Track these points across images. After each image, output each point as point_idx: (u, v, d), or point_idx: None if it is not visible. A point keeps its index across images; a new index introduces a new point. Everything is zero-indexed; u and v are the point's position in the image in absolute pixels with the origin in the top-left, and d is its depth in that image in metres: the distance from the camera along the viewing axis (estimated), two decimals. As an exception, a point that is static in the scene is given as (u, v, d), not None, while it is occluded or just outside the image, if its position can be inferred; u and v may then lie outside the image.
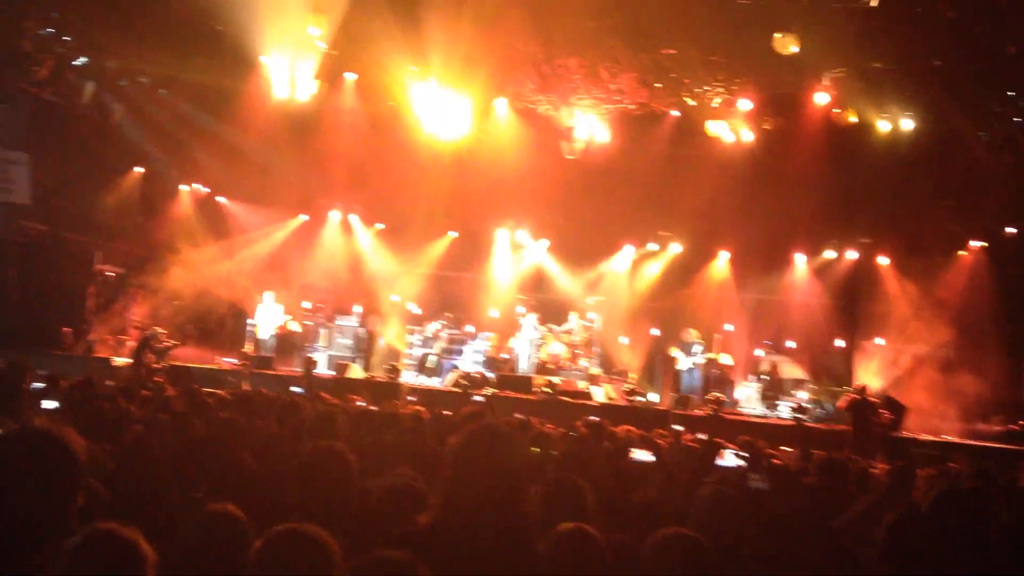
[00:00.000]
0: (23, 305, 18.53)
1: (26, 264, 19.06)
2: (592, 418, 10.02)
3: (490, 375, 19.65)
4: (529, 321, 21.04)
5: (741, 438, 10.91)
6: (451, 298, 23.29)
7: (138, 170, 21.01)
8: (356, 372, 19.33)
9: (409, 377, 20.25)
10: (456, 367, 20.88)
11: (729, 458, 6.67)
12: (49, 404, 8.35)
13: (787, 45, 15.30)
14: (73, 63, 17.83)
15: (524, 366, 20.63)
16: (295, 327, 21.24)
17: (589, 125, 20.03)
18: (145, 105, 19.88)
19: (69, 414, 7.63)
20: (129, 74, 19.07)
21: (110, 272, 21.26)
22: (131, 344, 18.95)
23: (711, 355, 20.27)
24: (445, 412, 10.72)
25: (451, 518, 3.40)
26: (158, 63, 18.45)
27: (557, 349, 20.76)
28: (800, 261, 22.26)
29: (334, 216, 23.63)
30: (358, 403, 12.35)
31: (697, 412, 17.66)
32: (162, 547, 2.81)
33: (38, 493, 2.60)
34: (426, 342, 21.85)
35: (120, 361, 17.95)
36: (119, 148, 20.27)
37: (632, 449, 6.43)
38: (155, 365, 17.32)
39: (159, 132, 20.38)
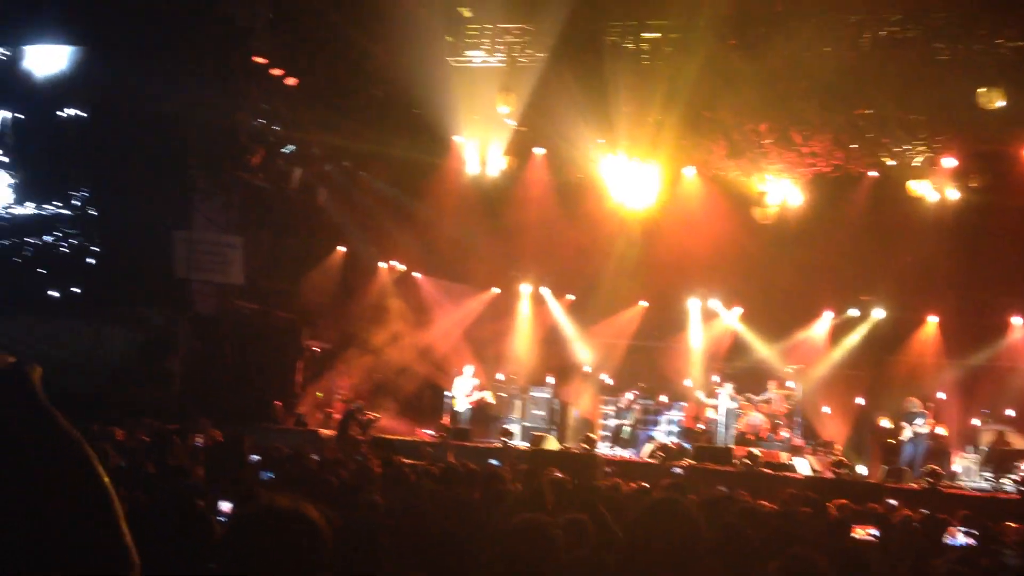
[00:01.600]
0: (237, 380, 19.52)
1: (240, 341, 20.12)
2: (790, 490, 9.60)
3: (687, 446, 19.24)
4: (725, 391, 20.53)
5: (962, 513, 10.23)
6: (644, 368, 23.07)
7: (341, 249, 21.95)
8: (552, 444, 19.33)
9: (604, 448, 20.11)
10: (652, 438, 20.57)
11: (958, 536, 6.21)
12: (266, 475, 8.74)
13: (992, 99, 14.60)
14: (282, 150, 18.95)
15: (722, 437, 20.09)
16: (490, 399, 21.50)
17: (782, 189, 19.63)
18: (347, 187, 20.92)
19: (287, 485, 7.93)
20: (333, 158, 20.13)
21: (316, 348, 22.22)
22: (337, 417, 19.65)
23: (931, 426, 19.05)
24: (643, 484, 10.57)
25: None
26: (359, 147, 19.38)
27: (756, 419, 20.12)
28: (1017, 324, 20.86)
29: (525, 289, 23.97)
30: (556, 475, 12.37)
31: (912, 486, 16.64)
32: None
33: (286, 572, 2.56)
34: (620, 413, 21.67)
35: (327, 433, 18.60)
36: (324, 229, 21.30)
37: (855, 527, 6.07)
38: (359, 437, 17.84)
39: (360, 212, 21.36)
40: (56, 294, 19.64)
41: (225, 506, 6.28)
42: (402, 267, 23.40)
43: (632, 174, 18.63)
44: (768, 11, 15.76)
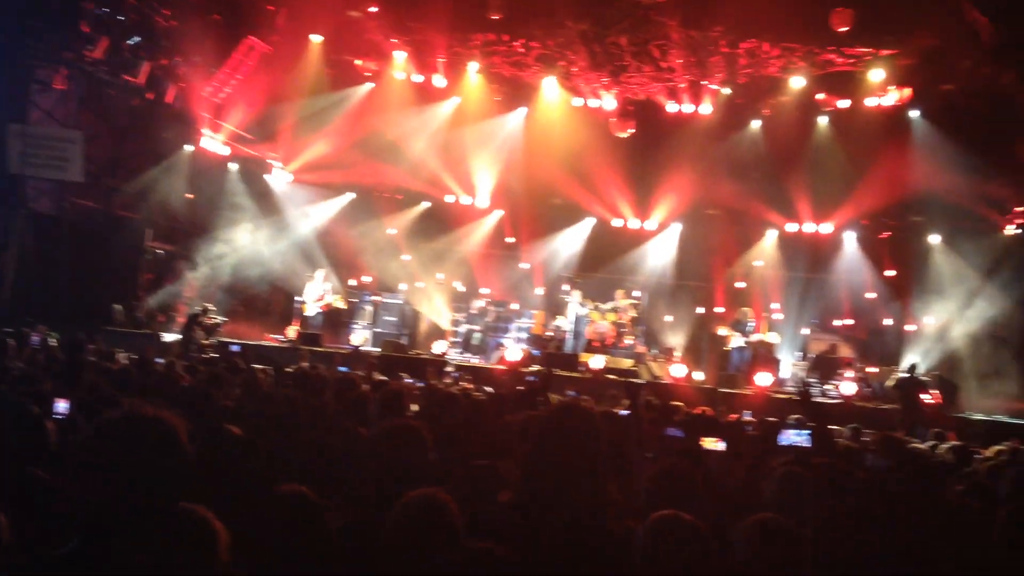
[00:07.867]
0: (76, 282, 18.63)
1: (78, 242, 19.17)
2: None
3: (536, 352, 19.63)
4: (574, 299, 20.87)
5: (793, 416, 10.93)
6: (495, 276, 23.35)
7: (188, 148, 20.91)
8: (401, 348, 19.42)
9: (455, 354, 20.33)
10: (501, 344, 20.92)
11: (790, 436, 6.62)
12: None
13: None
14: (128, 42, 17.75)
15: (570, 344, 20.53)
16: (340, 304, 21.21)
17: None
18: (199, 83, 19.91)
19: (132, 390, 7.74)
20: (183, 54, 18.91)
21: (160, 249, 21.46)
22: (181, 321, 19.12)
23: (760, 335, 19.90)
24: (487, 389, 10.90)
25: (532, 494, 3.41)
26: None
27: (603, 327, 20.62)
28: (849, 239, 21.94)
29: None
30: (406, 380, 12.48)
31: (745, 391, 17.49)
32: (238, 525, 2.84)
33: (148, 477, 2.56)
34: (471, 319, 21.89)
35: (170, 337, 18.11)
36: (172, 127, 20.30)
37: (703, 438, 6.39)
38: (203, 342, 17.46)
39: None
40: None
41: (61, 406, 6.11)
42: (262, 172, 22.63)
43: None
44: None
